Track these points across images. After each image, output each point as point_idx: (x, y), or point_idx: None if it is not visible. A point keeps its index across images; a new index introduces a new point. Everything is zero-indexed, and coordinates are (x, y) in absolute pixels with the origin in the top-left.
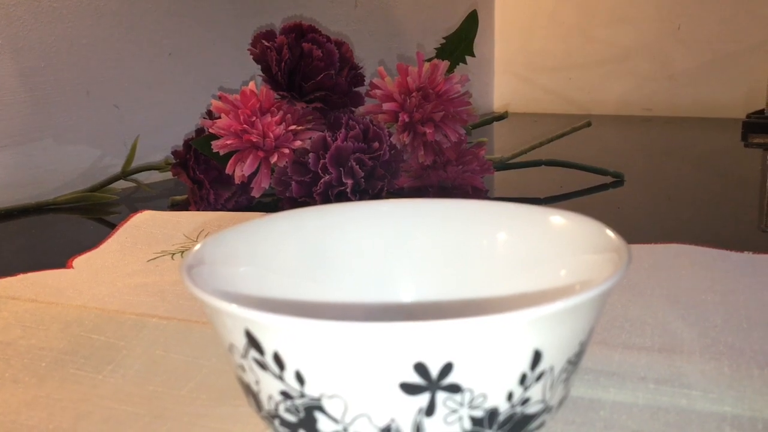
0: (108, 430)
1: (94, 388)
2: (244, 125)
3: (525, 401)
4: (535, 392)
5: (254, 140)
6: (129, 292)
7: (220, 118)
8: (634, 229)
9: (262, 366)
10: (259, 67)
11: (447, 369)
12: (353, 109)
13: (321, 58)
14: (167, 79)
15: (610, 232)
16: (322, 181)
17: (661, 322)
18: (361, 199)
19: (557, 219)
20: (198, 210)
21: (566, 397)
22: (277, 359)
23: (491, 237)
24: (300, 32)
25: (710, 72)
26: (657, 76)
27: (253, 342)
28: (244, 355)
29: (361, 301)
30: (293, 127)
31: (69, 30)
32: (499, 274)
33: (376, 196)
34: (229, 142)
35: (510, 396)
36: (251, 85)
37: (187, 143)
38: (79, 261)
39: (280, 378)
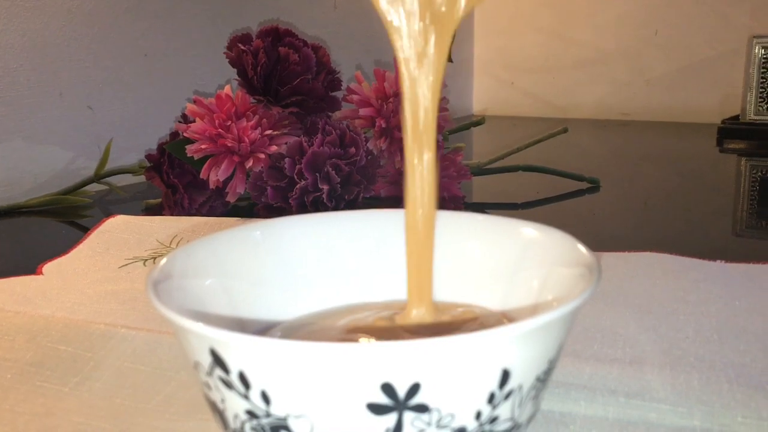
0: None
1: (59, 401)
2: (219, 129)
3: (493, 419)
4: (504, 410)
5: (229, 145)
6: (99, 299)
7: (194, 122)
8: (608, 235)
9: (228, 385)
10: (235, 70)
11: (414, 389)
12: (330, 113)
13: (297, 62)
14: (142, 81)
15: (581, 247)
16: (297, 186)
17: (633, 333)
18: (337, 205)
19: (528, 231)
20: (172, 215)
21: (535, 413)
22: (243, 378)
23: (461, 247)
24: (276, 36)
25: (687, 77)
26: (634, 81)
27: (218, 361)
28: (209, 373)
29: (333, 308)
30: (269, 131)
31: (42, 31)
32: (469, 284)
33: (353, 202)
34: (203, 146)
35: (478, 415)
36: (227, 89)
37: (162, 147)
38: (50, 267)
39: (246, 397)
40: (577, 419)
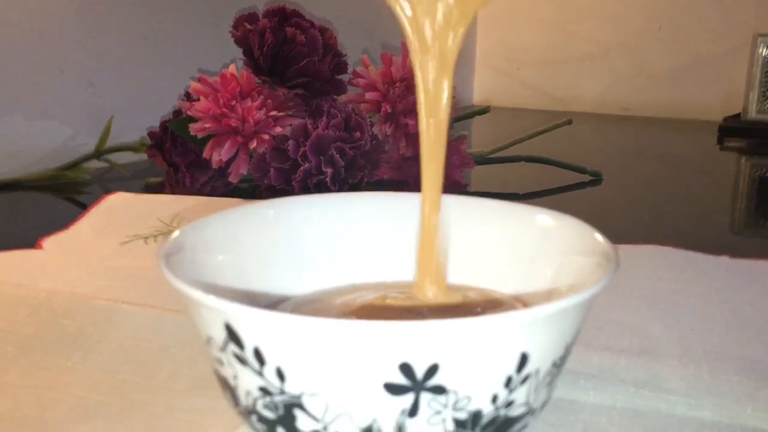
0: (75, 419)
1: (61, 375)
2: (224, 109)
3: (509, 404)
4: (520, 395)
5: (233, 125)
6: (100, 276)
7: (198, 100)
8: (610, 228)
9: (242, 361)
10: (241, 50)
11: (432, 370)
12: (335, 97)
13: (304, 43)
14: (144, 58)
15: (598, 235)
16: (301, 169)
17: (640, 324)
18: (340, 188)
19: (544, 218)
20: (173, 194)
21: (549, 399)
22: (258, 354)
23: (476, 232)
24: (283, 16)
25: (689, 74)
26: (636, 76)
27: (232, 336)
28: (223, 349)
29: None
30: (274, 112)
31: (43, 7)
32: (483, 269)
33: (356, 186)
34: (207, 125)
35: (494, 398)
36: (232, 68)
37: (164, 125)
38: (49, 242)
39: (260, 374)
40: (585, 407)
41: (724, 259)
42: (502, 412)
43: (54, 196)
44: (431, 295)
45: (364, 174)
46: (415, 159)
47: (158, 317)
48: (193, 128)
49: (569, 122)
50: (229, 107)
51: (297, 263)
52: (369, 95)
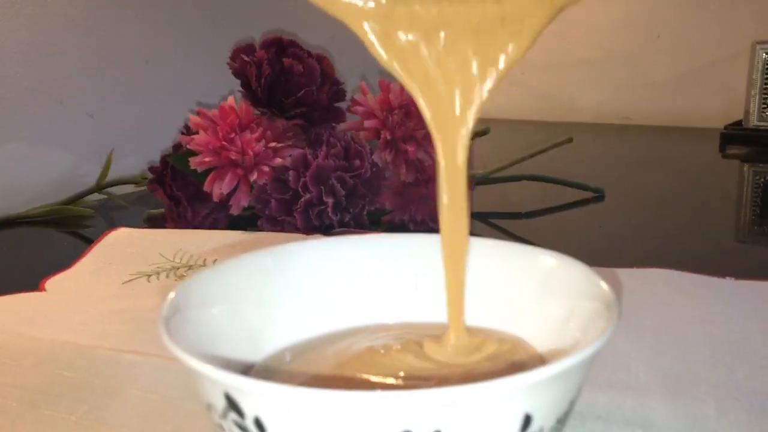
0: None
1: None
2: (223, 142)
3: None
4: None
5: (233, 157)
6: (103, 319)
7: (197, 133)
8: (614, 245)
9: (243, 429)
10: (239, 81)
11: None
12: (334, 125)
13: (302, 73)
14: (143, 89)
15: (602, 283)
16: (302, 199)
17: (647, 357)
18: (341, 218)
19: (547, 260)
20: (175, 227)
21: None
22: (259, 424)
23: (477, 272)
24: (280, 47)
25: (689, 82)
26: (636, 85)
27: (233, 405)
28: (223, 417)
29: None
30: (273, 144)
31: (43, 38)
32: (484, 309)
33: (358, 215)
34: (207, 159)
35: None
36: (230, 100)
37: (164, 159)
38: (52, 283)
39: None
40: None
41: (730, 282)
42: None
43: (57, 231)
44: (450, 345)
45: (365, 202)
46: (416, 184)
47: (162, 367)
48: (193, 162)
49: (570, 141)
50: (228, 140)
51: (295, 308)
52: (368, 123)
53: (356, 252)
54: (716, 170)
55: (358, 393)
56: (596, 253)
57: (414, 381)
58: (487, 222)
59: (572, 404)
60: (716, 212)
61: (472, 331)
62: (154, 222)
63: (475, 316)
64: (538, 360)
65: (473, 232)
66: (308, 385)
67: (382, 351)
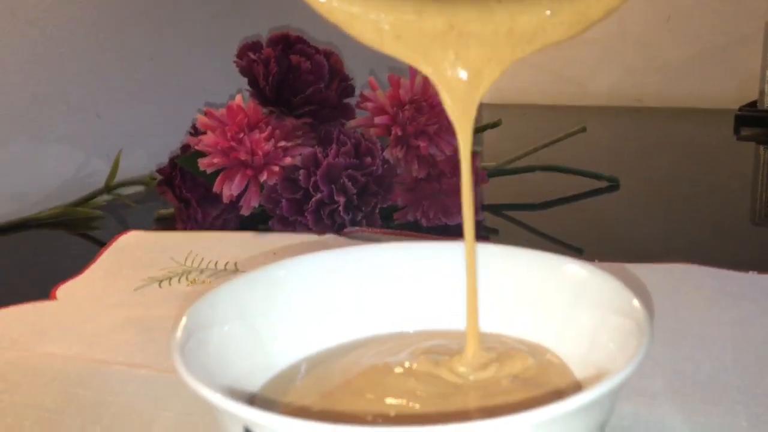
0: None
1: None
2: (232, 142)
3: None
4: None
5: (242, 158)
6: (115, 329)
7: (205, 134)
8: (629, 234)
9: None
10: (246, 80)
11: None
12: (344, 122)
13: (310, 70)
14: (150, 88)
15: (635, 301)
16: (313, 199)
17: (671, 361)
18: (353, 216)
19: (576, 270)
20: (185, 229)
21: None
22: None
23: (503, 281)
24: (287, 43)
25: (701, 63)
26: (647, 67)
27: None
28: None
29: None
30: (282, 143)
31: (47, 41)
32: (508, 318)
33: (370, 213)
34: (216, 160)
35: None
36: (238, 99)
37: (173, 161)
38: (63, 290)
39: None
40: None
41: (753, 277)
42: None
43: (66, 233)
44: (467, 366)
45: (377, 200)
46: (428, 180)
47: (176, 383)
48: (202, 163)
49: (583, 130)
50: (237, 140)
51: (311, 319)
52: (378, 119)
53: (372, 259)
54: (731, 153)
55: (380, 429)
56: (612, 244)
57: (431, 405)
58: (500, 214)
59: (603, 426)
60: (732, 196)
61: (493, 342)
62: (164, 223)
63: (502, 323)
64: (569, 381)
65: (488, 227)
66: (324, 409)
67: (400, 369)
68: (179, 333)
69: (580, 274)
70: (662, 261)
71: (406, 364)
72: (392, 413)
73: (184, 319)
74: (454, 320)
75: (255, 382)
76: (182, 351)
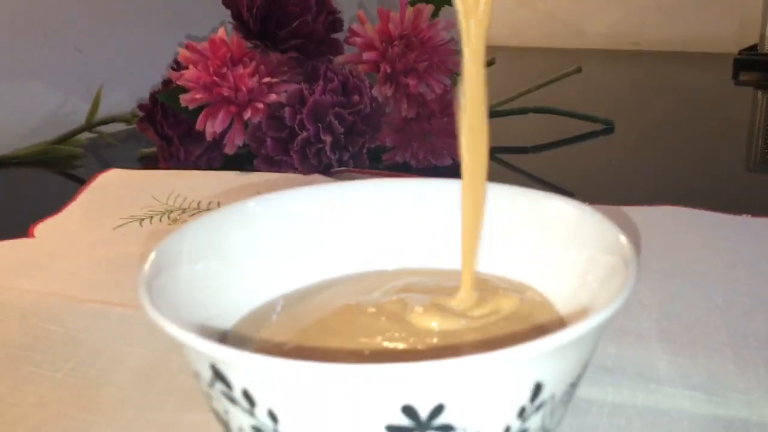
0: None
1: (53, 390)
2: (214, 77)
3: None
4: (534, 422)
5: (225, 94)
6: (92, 267)
7: (187, 68)
8: (623, 178)
9: (231, 400)
10: (229, 12)
11: (438, 410)
12: (331, 57)
13: (296, 2)
14: (131, 21)
15: (622, 237)
16: (299, 138)
17: (659, 302)
18: (340, 157)
19: (561, 206)
20: (167, 168)
21: (565, 414)
22: (247, 396)
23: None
24: None
25: (700, 5)
26: (646, 7)
27: (219, 376)
28: (211, 386)
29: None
30: (267, 79)
31: None
32: (494, 255)
33: (357, 153)
34: (198, 96)
35: (507, 429)
36: (221, 32)
37: (154, 96)
38: (41, 228)
39: (251, 413)
40: (604, 408)
41: (746, 219)
42: None
43: (46, 172)
44: (461, 302)
45: (365, 140)
46: (418, 120)
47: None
48: (184, 99)
49: (578, 70)
50: (220, 75)
51: (288, 257)
52: (367, 55)
53: (352, 196)
54: (729, 98)
55: (358, 366)
56: (605, 188)
57: (426, 344)
58: (491, 157)
59: (585, 367)
60: (728, 142)
61: (484, 282)
62: (147, 162)
63: (489, 262)
64: (554, 317)
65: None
66: (298, 345)
67: (396, 309)
68: (147, 268)
69: (566, 210)
70: (655, 204)
71: (412, 307)
72: (366, 352)
73: (153, 255)
74: (435, 258)
75: (228, 320)
76: (149, 286)
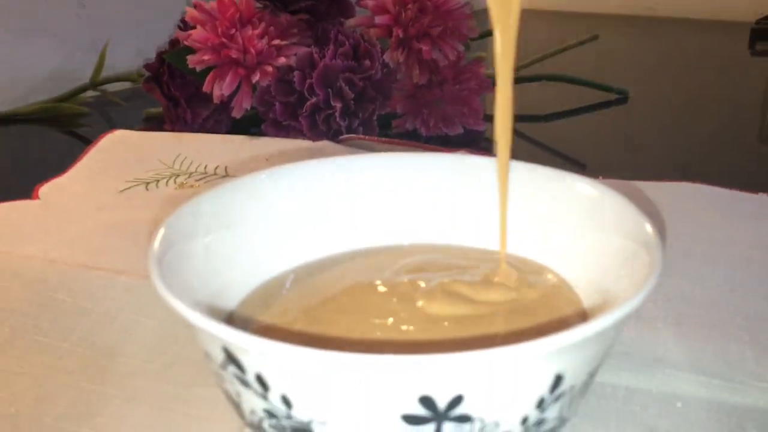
0: (75, 416)
1: (59, 360)
2: (223, 38)
3: (540, 422)
4: (552, 412)
5: (234, 56)
6: (98, 233)
7: (195, 28)
8: (638, 152)
9: (244, 383)
10: None
11: (456, 401)
12: (342, 20)
13: None
14: None
15: (647, 224)
16: (308, 103)
17: (676, 285)
18: (350, 123)
19: (587, 189)
20: (173, 130)
21: (582, 402)
22: (261, 380)
23: (530, 202)
24: None
25: None
26: None
27: (232, 359)
28: (223, 368)
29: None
30: (277, 41)
31: None
32: (515, 237)
33: (367, 119)
34: (206, 57)
35: (525, 420)
36: None
37: (160, 56)
38: (46, 190)
39: (264, 398)
40: (618, 392)
41: (762, 197)
42: (532, 430)
43: (51, 130)
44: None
45: (375, 106)
46: (430, 87)
47: None
48: (192, 60)
49: (595, 38)
50: (228, 36)
51: (296, 232)
52: (379, 19)
53: (367, 169)
54: (744, 68)
55: (375, 356)
56: (617, 159)
57: (439, 329)
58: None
59: (605, 357)
60: (743, 114)
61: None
62: (153, 122)
63: (511, 243)
64: (575, 307)
65: (489, 138)
66: (309, 324)
67: (408, 290)
68: (157, 245)
69: (590, 192)
70: (668, 177)
71: (428, 289)
72: (378, 333)
73: (162, 230)
74: (448, 235)
75: (238, 295)
76: (160, 263)
